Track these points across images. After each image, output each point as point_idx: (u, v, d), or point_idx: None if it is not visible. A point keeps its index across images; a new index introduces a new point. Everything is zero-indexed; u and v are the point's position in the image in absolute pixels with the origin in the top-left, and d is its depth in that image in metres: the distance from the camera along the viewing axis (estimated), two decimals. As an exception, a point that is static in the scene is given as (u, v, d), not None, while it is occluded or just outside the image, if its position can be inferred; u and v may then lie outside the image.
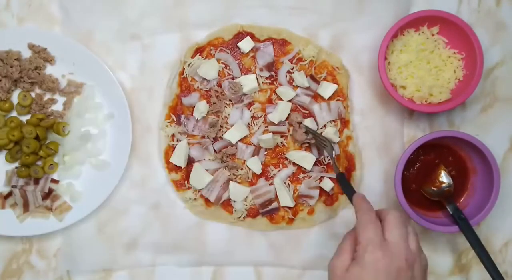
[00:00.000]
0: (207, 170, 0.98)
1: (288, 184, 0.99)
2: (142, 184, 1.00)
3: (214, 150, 0.99)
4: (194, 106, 0.98)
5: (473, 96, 0.98)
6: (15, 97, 0.99)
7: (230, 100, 0.99)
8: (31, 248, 1.00)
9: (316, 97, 1.00)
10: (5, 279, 0.99)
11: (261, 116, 0.99)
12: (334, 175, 0.99)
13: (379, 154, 1.01)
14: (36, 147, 0.95)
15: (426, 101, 0.97)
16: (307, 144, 0.99)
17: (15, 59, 0.97)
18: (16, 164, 0.98)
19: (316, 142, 0.97)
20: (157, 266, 0.99)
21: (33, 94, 0.99)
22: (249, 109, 0.99)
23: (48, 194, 0.97)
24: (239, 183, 0.99)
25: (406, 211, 0.92)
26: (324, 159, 0.99)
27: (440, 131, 0.98)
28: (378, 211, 0.74)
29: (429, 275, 1.00)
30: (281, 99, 0.99)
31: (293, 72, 0.99)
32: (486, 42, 1.01)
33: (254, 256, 0.99)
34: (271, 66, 0.99)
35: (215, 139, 0.99)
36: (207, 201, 0.99)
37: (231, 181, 0.98)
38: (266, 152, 0.99)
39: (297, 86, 0.99)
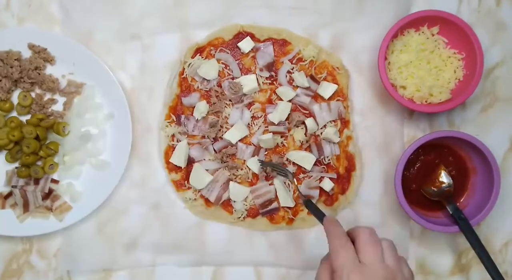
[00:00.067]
0: (207, 170, 0.98)
1: (288, 184, 0.99)
2: (142, 184, 1.00)
3: (214, 150, 0.99)
4: (194, 106, 0.99)
5: (473, 96, 0.98)
6: (15, 97, 0.99)
7: (230, 100, 0.99)
8: (31, 248, 1.00)
9: (316, 97, 1.00)
10: (5, 279, 0.99)
11: (261, 116, 0.99)
12: (334, 175, 0.99)
13: (379, 154, 1.01)
14: (36, 147, 0.95)
15: (426, 101, 0.97)
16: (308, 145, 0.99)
17: (15, 59, 0.97)
18: (16, 164, 0.98)
19: (277, 172, 0.97)
20: (157, 266, 1.00)
21: (33, 94, 0.99)
22: (249, 109, 0.99)
23: (48, 194, 0.97)
24: (239, 183, 0.99)
25: (406, 211, 0.92)
26: (324, 159, 0.99)
27: (440, 131, 0.98)
28: (349, 231, 0.72)
29: (429, 275, 1.01)
30: (281, 99, 0.99)
31: (293, 72, 0.99)
32: (486, 42, 1.01)
33: (254, 256, 0.99)
34: (271, 66, 0.99)
35: (215, 139, 0.99)
36: (207, 201, 0.99)
37: (231, 181, 0.98)
38: (266, 152, 0.99)
39: (297, 86, 0.99)
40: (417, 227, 1.00)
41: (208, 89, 0.99)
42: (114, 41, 1.00)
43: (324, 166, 0.99)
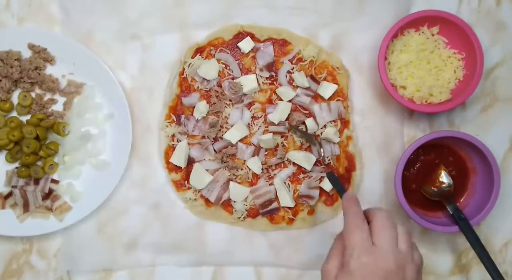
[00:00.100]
0: (207, 170, 0.98)
1: (288, 184, 0.99)
2: (142, 184, 1.00)
3: (214, 150, 0.99)
4: (194, 106, 0.98)
5: (473, 96, 0.98)
6: (15, 97, 0.99)
7: (230, 100, 0.99)
8: (31, 248, 1.00)
9: (316, 97, 1.00)
10: (5, 279, 0.99)
11: (261, 116, 0.99)
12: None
13: (379, 154, 1.01)
14: (36, 147, 0.95)
15: (426, 101, 0.97)
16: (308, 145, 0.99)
17: (15, 59, 0.97)
18: (16, 164, 0.98)
19: (306, 141, 0.98)
20: (157, 266, 0.99)
21: (33, 94, 0.99)
22: (249, 109, 0.99)
23: (48, 194, 0.97)
24: (239, 183, 0.99)
25: (406, 211, 0.92)
26: (324, 160, 0.99)
27: (440, 131, 0.98)
28: (366, 212, 0.72)
29: (429, 275, 1.01)
30: (281, 99, 0.99)
31: (293, 72, 0.99)
32: (486, 42, 1.01)
33: (254, 256, 0.99)
34: (271, 66, 0.99)
35: (215, 139, 0.99)
36: (207, 201, 0.99)
37: (231, 181, 0.98)
38: (266, 152, 0.99)
39: (297, 86, 0.99)
40: (417, 227, 1.00)
41: (208, 89, 0.99)
42: (114, 41, 1.00)
43: (324, 166, 0.99)
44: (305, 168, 0.98)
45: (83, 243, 0.98)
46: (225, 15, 1.00)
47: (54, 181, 0.98)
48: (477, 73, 0.94)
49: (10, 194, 0.97)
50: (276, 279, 1.00)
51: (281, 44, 1.00)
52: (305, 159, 0.98)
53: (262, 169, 0.98)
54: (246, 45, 0.99)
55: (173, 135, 0.99)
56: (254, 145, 0.99)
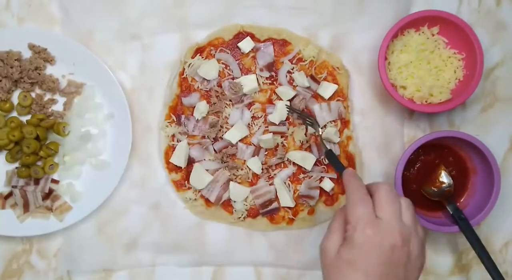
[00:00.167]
0: (207, 170, 0.98)
1: (289, 184, 0.99)
2: (142, 184, 1.00)
3: (214, 150, 0.99)
4: (194, 106, 0.98)
5: (473, 96, 0.98)
6: (15, 98, 0.99)
7: (230, 100, 0.99)
8: (31, 248, 1.00)
9: (316, 97, 1.00)
10: (5, 279, 0.99)
11: (261, 116, 0.99)
12: (334, 175, 0.99)
13: (379, 154, 1.01)
14: (37, 147, 0.95)
15: (426, 101, 0.97)
16: (308, 144, 0.99)
17: (15, 60, 0.97)
18: (17, 164, 0.98)
19: (302, 120, 0.97)
20: (157, 266, 0.99)
21: (33, 95, 0.99)
22: (249, 109, 0.99)
23: (48, 194, 0.97)
24: (239, 183, 0.99)
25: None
26: (324, 159, 0.99)
27: (440, 131, 0.98)
28: (368, 186, 0.71)
29: (429, 275, 1.01)
30: (281, 99, 0.99)
31: (293, 72, 0.99)
32: (486, 42, 1.01)
33: (254, 256, 0.99)
34: (271, 66, 0.99)
35: (215, 139, 0.99)
36: (207, 201, 0.99)
37: (231, 181, 0.98)
38: (267, 153, 0.99)
39: (297, 86, 0.99)
40: (417, 227, 1.00)
41: (208, 89, 0.99)
42: (114, 41, 1.00)
43: (324, 166, 0.99)
44: (305, 168, 0.98)
45: (83, 243, 0.98)
46: (225, 15, 1.00)
47: (54, 181, 0.98)
48: (477, 73, 0.94)
49: (10, 194, 0.97)
50: (276, 279, 1.00)
51: (281, 44, 1.00)
52: (305, 159, 0.98)
53: (262, 169, 0.98)
54: (246, 45, 0.99)
55: (173, 135, 0.99)
56: (254, 145, 0.99)
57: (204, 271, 1.00)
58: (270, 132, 0.98)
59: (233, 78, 0.99)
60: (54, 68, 0.99)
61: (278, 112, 0.97)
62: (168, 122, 0.99)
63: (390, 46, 0.97)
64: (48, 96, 1.00)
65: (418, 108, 0.96)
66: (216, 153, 0.99)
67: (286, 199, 0.98)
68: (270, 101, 1.00)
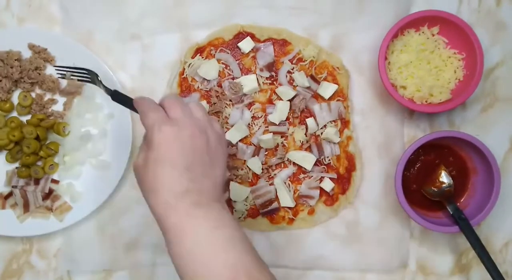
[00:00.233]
0: (207, 170, 0.98)
1: (289, 184, 0.99)
2: (142, 184, 1.00)
3: (214, 150, 0.99)
4: (194, 106, 0.98)
5: (474, 96, 0.98)
6: (15, 98, 0.99)
7: (230, 100, 0.99)
8: (31, 248, 1.00)
9: (317, 97, 1.00)
10: (5, 279, 0.99)
11: (261, 116, 0.99)
12: (334, 175, 0.99)
13: (379, 154, 1.01)
14: (37, 147, 0.95)
15: (426, 101, 0.97)
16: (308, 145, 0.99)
17: (15, 60, 0.97)
18: (17, 165, 0.98)
19: (79, 80, 0.86)
20: (157, 266, 0.99)
21: (33, 95, 0.99)
22: (249, 109, 0.99)
23: (49, 194, 0.97)
24: (239, 183, 0.99)
25: (406, 211, 0.92)
26: (325, 159, 0.99)
27: (441, 131, 0.98)
28: (158, 103, 0.73)
29: (430, 275, 1.01)
30: (281, 99, 0.99)
31: (293, 72, 0.99)
32: (486, 42, 1.01)
33: (254, 256, 0.99)
34: (272, 66, 0.99)
35: (215, 139, 0.99)
36: (207, 201, 0.99)
37: (231, 181, 0.98)
38: (267, 153, 0.99)
39: (297, 86, 0.99)
40: (417, 228, 1.00)
41: (208, 89, 0.99)
42: (114, 41, 1.00)
43: (325, 166, 0.99)
44: (305, 168, 0.98)
45: (83, 243, 0.98)
46: (225, 15, 1.00)
47: (54, 181, 0.98)
48: (477, 73, 0.94)
49: (10, 194, 0.97)
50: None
51: (281, 44, 1.00)
52: (305, 159, 0.98)
53: (262, 169, 0.98)
54: (246, 45, 0.99)
55: (173, 135, 0.99)
56: (254, 145, 0.99)
57: (204, 271, 1.00)
58: (270, 132, 0.98)
59: (233, 78, 0.99)
60: (54, 68, 0.99)
61: (278, 112, 0.97)
62: (168, 122, 0.99)
63: (390, 46, 0.97)
64: (48, 96, 1.00)
65: (418, 108, 0.96)
66: (216, 153, 0.99)
67: (286, 199, 0.98)
68: (270, 101, 1.00)
